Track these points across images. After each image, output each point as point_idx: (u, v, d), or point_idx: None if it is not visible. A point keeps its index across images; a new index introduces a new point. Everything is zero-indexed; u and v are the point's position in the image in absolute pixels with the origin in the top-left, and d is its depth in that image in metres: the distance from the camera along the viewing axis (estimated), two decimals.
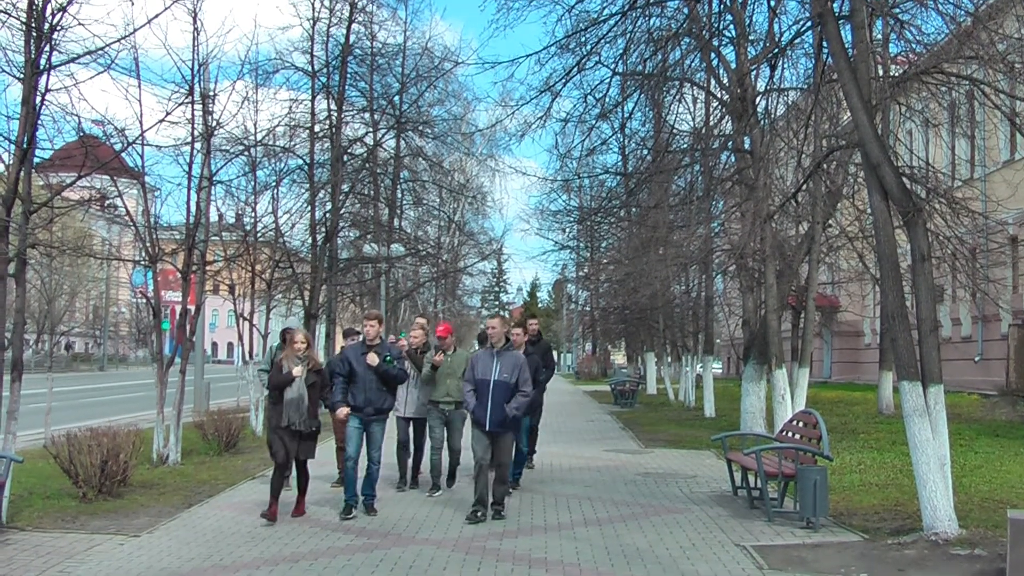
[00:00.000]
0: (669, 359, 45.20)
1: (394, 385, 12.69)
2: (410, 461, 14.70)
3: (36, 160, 13.12)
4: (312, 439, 11.93)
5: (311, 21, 29.59)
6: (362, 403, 12.22)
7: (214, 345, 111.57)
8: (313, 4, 29.72)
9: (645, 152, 27.27)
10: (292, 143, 28.79)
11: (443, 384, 13.81)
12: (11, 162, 12.29)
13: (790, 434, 13.42)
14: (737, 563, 9.52)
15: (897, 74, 15.10)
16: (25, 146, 12.15)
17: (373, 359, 12.19)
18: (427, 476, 14.31)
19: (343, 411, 12.20)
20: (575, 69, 19.34)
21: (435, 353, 14.10)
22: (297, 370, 11.72)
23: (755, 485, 12.75)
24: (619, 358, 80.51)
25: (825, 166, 17.94)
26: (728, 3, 19.96)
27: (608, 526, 11.64)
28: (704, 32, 19.31)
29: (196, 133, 17.27)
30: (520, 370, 11.97)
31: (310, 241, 28.99)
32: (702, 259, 25.59)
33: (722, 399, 31.93)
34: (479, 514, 11.68)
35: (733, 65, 19.52)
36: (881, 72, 15.13)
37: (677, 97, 23.65)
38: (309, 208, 28.48)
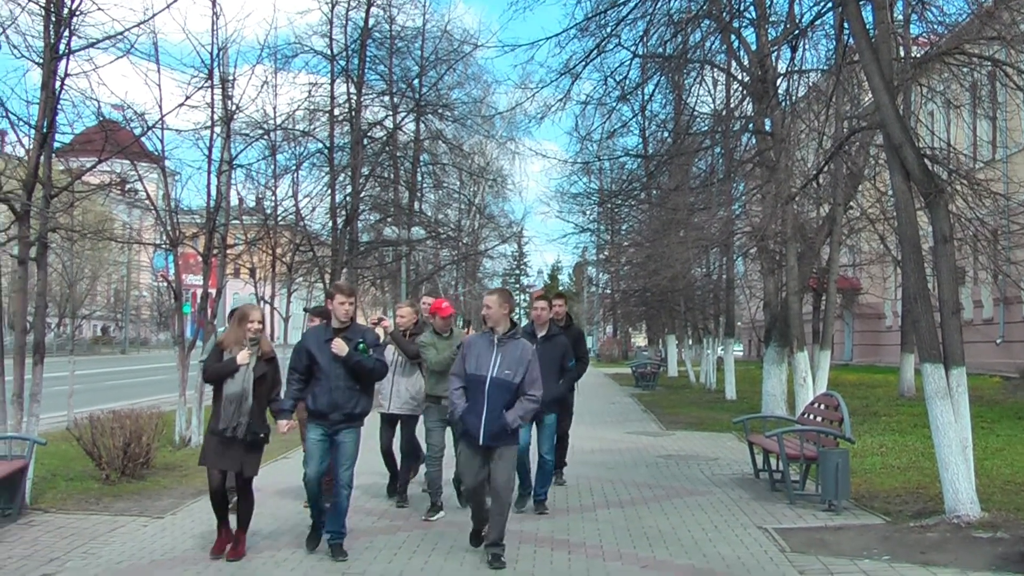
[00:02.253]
0: (690, 341, 45.17)
1: (370, 382, 9.54)
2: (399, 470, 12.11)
3: (56, 145, 13.20)
4: (257, 450, 9.20)
5: (330, 4, 29.49)
6: (326, 407, 9.12)
7: None
8: None
9: (665, 134, 27.19)
10: (312, 127, 28.86)
11: (447, 375, 10.37)
12: (31, 147, 12.36)
13: (811, 416, 13.41)
14: (759, 545, 9.53)
15: (919, 55, 15.01)
16: (45, 131, 12.21)
17: (341, 347, 9.13)
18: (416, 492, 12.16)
19: (284, 425, 9.31)
20: (595, 51, 19.22)
21: (430, 335, 11.33)
22: (243, 355, 9.04)
23: (777, 468, 12.73)
24: (640, 340, 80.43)
25: (846, 147, 17.83)
26: None
27: (630, 508, 11.67)
28: (724, 14, 19.19)
29: (216, 117, 17.33)
30: (528, 367, 8.99)
31: (330, 224, 28.96)
32: (723, 241, 25.53)
33: (743, 381, 31.88)
34: (501, 558, 8.77)
35: (753, 47, 19.43)
36: (902, 53, 15.03)
37: (697, 79, 23.57)
38: (329, 191, 28.47)
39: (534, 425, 11.27)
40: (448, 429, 10.64)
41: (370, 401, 9.51)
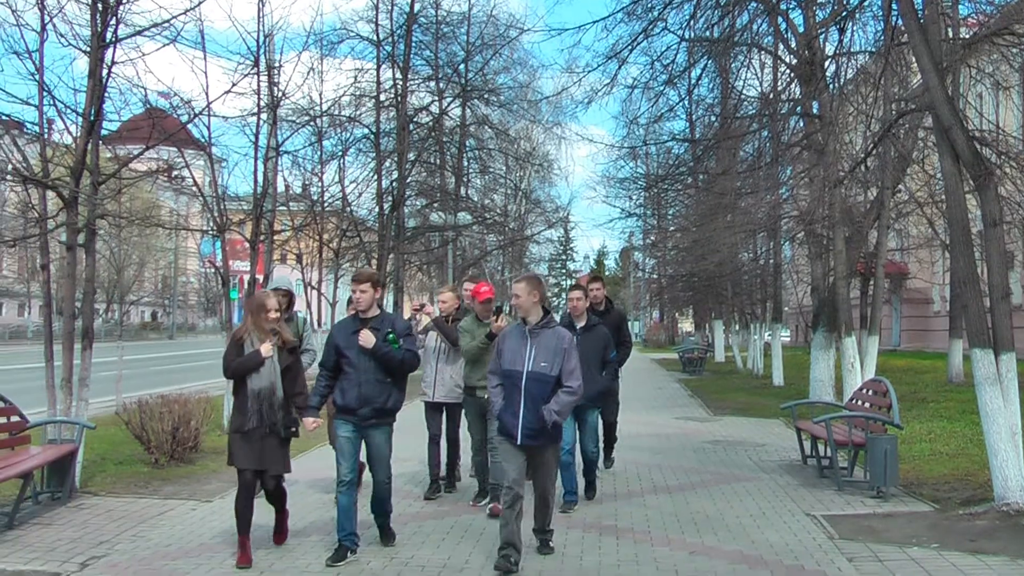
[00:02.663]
0: (737, 327, 45.00)
1: (402, 374, 8.87)
2: (445, 459, 11.75)
3: (103, 132, 13.30)
4: (287, 445, 8.78)
5: None
6: (355, 402, 8.61)
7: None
8: None
9: (712, 118, 27.03)
10: (358, 112, 29.00)
11: (482, 364, 10.40)
12: (79, 134, 12.48)
13: (860, 402, 13.30)
14: (807, 532, 9.49)
15: (968, 36, 14.80)
16: (92, 118, 12.32)
17: (367, 339, 8.59)
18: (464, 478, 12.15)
19: (311, 423, 8.65)
20: (642, 35, 19.11)
21: (473, 321, 10.88)
22: (266, 348, 8.57)
23: (825, 454, 12.65)
24: (687, 326, 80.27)
25: (895, 130, 17.63)
26: None
27: (678, 494, 11.67)
28: None
29: (262, 104, 17.41)
30: (565, 356, 8.34)
31: (377, 210, 29.11)
32: (770, 226, 25.40)
33: (790, 367, 31.73)
34: (512, 559, 8.07)
35: (801, 29, 19.24)
36: (951, 34, 14.82)
37: (745, 62, 23.40)
38: (376, 177, 28.62)
39: (576, 422, 10.87)
40: (487, 419, 10.41)
41: (402, 395, 8.90)
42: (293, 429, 8.70)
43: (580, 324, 10.94)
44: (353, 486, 8.64)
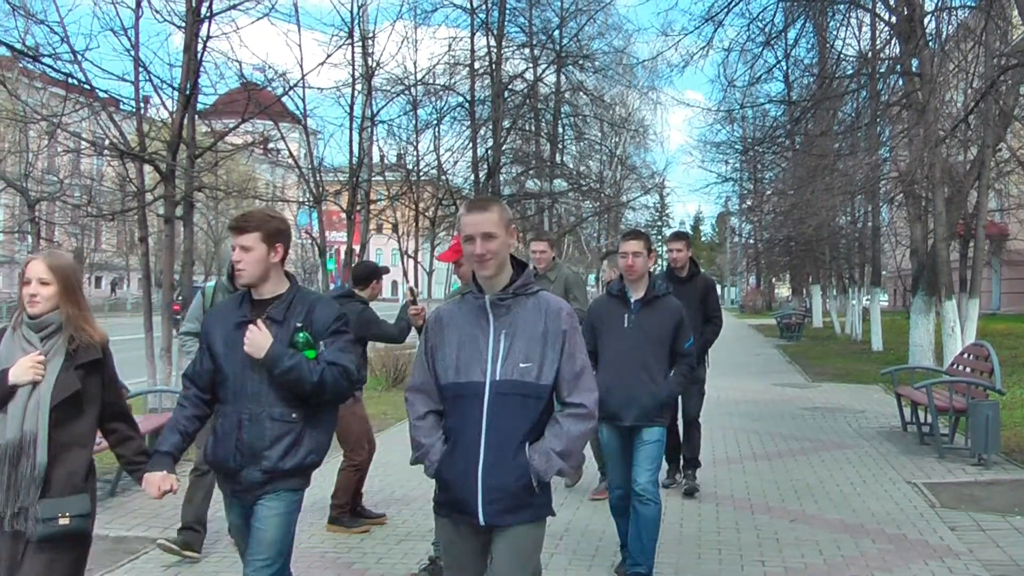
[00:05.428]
0: (835, 291, 44.52)
1: (324, 404, 4.99)
2: None
3: (199, 106, 13.62)
4: (65, 559, 4.56)
5: None
6: (231, 456, 4.88)
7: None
8: None
9: (810, 79, 26.71)
10: (452, 81, 29.11)
11: None
12: (175, 109, 12.79)
13: (960, 367, 13.17)
14: (909, 500, 9.47)
15: None
16: (188, 93, 12.62)
17: (258, 339, 4.79)
18: None
19: (156, 485, 4.83)
20: None
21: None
22: (24, 364, 4.48)
23: (925, 420, 12.56)
24: (784, 291, 79.54)
25: (996, 86, 17.27)
26: None
27: (777, 460, 11.69)
28: None
29: (357, 74, 17.63)
30: (566, 344, 4.41)
31: (472, 178, 29.22)
32: (869, 188, 25.02)
33: (889, 332, 31.38)
34: None
35: None
36: None
37: (843, 21, 23.11)
38: (471, 145, 28.68)
39: (621, 446, 7.14)
40: None
41: (322, 442, 5.00)
42: (69, 524, 4.50)
43: (637, 295, 7.19)
44: None
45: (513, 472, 4.26)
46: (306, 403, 4.84)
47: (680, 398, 8.08)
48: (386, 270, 8.94)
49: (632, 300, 7.14)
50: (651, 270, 7.23)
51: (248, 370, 4.83)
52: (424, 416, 4.49)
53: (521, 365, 4.32)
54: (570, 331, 4.41)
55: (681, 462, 10.17)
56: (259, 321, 4.82)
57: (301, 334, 4.81)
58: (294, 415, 4.82)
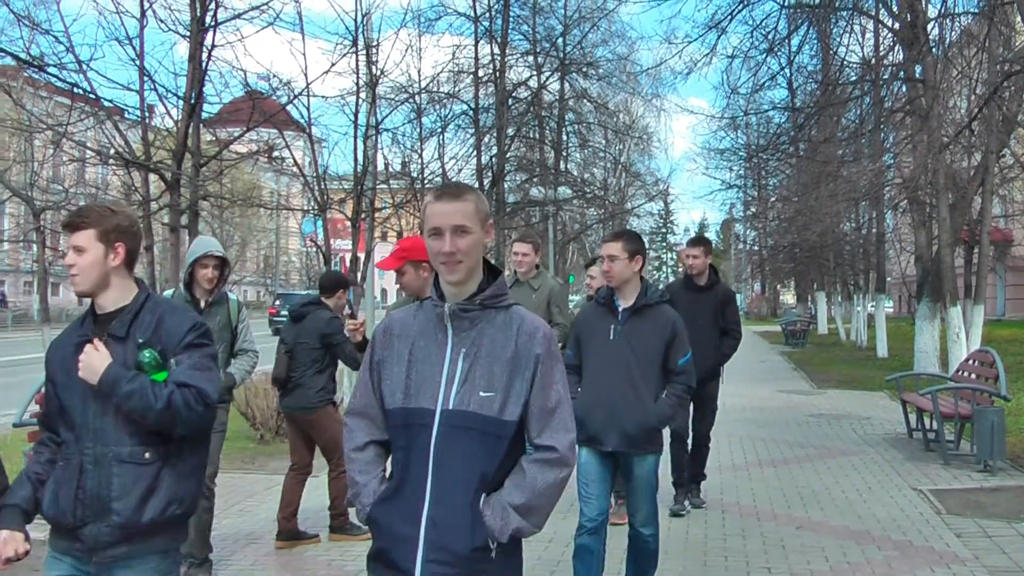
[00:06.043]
0: (839, 298, 44.49)
1: (187, 436, 3.87)
2: None
3: (204, 115, 13.65)
4: None
5: None
6: (68, 510, 3.77)
7: (383, 291, 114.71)
8: None
9: (813, 86, 26.76)
10: (456, 89, 29.12)
11: None
12: (180, 117, 12.82)
13: (966, 374, 13.17)
14: (915, 507, 9.45)
15: None
16: (193, 101, 12.64)
17: (94, 361, 3.77)
18: None
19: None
20: (741, 4, 19.02)
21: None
22: None
23: (930, 427, 12.52)
24: (789, 298, 79.48)
25: (1000, 92, 17.29)
26: None
27: (783, 467, 11.68)
28: None
29: (361, 83, 17.62)
30: (538, 371, 3.40)
31: (477, 185, 29.24)
32: (873, 194, 25.02)
33: (894, 338, 31.35)
34: None
35: None
36: None
37: (846, 28, 23.16)
38: (475, 153, 28.72)
39: (610, 473, 6.41)
40: None
41: (192, 487, 3.96)
42: None
43: (625, 303, 6.38)
44: None
45: (462, 530, 3.28)
46: (164, 439, 3.81)
47: (692, 416, 7.98)
48: (353, 281, 8.70)
49: (620, 309, 6.33)
50: (642, 276, 6.43)
51: (90, 400, 3.82)
52: (363, 447, 3.55)
53: (481, 394, 3.37)
54: (546, 357, 3.43)
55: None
56: (96, 340, 3.84)
57: (147, 351, 3.82)
58: (147, 455, 3.78)
